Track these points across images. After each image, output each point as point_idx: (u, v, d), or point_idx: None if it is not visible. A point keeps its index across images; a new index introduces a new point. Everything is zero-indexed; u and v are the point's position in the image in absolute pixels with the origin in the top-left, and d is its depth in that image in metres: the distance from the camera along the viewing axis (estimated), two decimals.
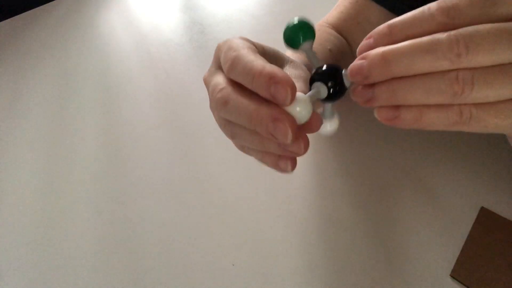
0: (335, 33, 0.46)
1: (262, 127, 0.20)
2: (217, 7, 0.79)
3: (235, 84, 0.22)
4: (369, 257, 0.37)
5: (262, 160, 0.24)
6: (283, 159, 0.23)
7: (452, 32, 0.17)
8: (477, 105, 0.18)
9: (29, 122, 0.63)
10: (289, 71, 0.26)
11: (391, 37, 0.19)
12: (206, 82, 0.25)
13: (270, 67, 0.20)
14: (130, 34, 0.78)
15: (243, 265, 0.39)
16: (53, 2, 0.93)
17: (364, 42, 0.20)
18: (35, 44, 0.81)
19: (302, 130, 0.22)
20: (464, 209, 0.39)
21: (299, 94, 0.21)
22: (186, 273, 0.40)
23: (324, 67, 0.23)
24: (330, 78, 0.22)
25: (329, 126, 0.24)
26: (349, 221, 0.40)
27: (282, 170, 0.24)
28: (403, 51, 0.18)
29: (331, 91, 0.22)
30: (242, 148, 0.25)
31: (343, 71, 0.22)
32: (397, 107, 0.19)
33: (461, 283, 0.34)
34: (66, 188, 0.51)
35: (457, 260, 0.35)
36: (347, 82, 0.22)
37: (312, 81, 0.23)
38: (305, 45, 0.24)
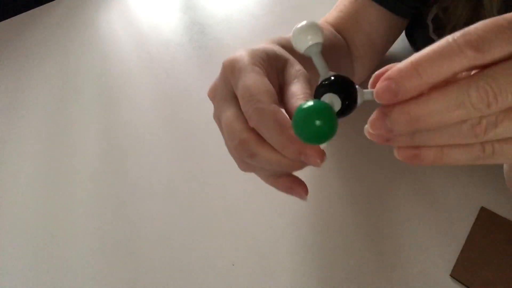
0: (333, 30, 0.46)
1: (293, 167, 0.22)
2: (217, 7, 0.79)
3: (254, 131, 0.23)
4: (369, 257, 0.37)
5: (272, 184, 0.25)
6: (294, 189, 0.25)
7: (481, 83, 0.16)
8: (500, 140, 0.18)
9: (29, 122, 0.63)
10: (289, 70, 0.26)
11: (419, 80, 0.17)
12: (215, 106, 0.26)
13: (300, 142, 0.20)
14: (130, 34, 0.78)
15: (243, 265, 0.39)
16: (53, 2, 0.93)
17: (386, 86, 0.17)
18: (35, 44, 0.81)
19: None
20: (464, 209, 0.39)
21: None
22: (186, 273, 0.40)
23: (335, 77, 0.20)
24: (345, 90, 0.20)
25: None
26: (349, 221, 0.40)
27: (297, 196, 0.25)
28: (434, 108, 0.17)
29: (345, 104, 0.20)
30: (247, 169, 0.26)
31: (356, 87, 0.20)
32: (418, 146, 0.19)
33: (461, 283, 0.34)
34: (66, 188, 0.51)
35: (457, 260, 0.35)
36: (360, 99, 0.20)
37: (320, 91, 0.21)
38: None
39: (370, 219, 0.40)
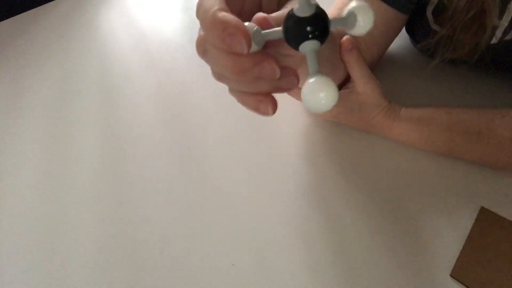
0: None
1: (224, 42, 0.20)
2: None
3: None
4: (369, 257, 0.37)
5: (242, 101, 0.24)
6: (263, 102, 0.23)
7: None
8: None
9: (29, 121, 0.63)
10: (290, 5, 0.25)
11: None
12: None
13: (221, 17, 0.20)
14: (130, 34, 0.78)
15: (243, 265, 0.39)
16: (53, 2, 0.93)
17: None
18: (35, 44, 0.81)
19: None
20: (464, 209, 0.39)
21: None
22: (186, 273, 0.40)
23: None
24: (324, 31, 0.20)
25: (321, 84, 0.20)
26: (349, 221, 0.40)
27: (263, 113, 0.24)
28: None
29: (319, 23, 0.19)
30: (220, 78, 0.25)
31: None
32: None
33: (461, 283, 0.34)
34: (66, 188, 0.51)
35: (457, 260, 0.35)
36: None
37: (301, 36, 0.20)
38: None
39: (370, 219, 0.40)
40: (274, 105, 0.23)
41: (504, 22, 0.40)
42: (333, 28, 0.21)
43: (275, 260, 0.39)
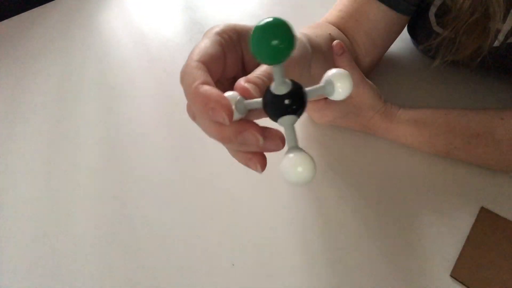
0: (335, 28, 0.46)
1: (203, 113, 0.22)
2: (217, 7, 0.79)
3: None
4: (369, 257, 0.37)
5: (233, 156, 0.25)
6: (252, 160, 0.24)
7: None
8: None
9: (29, 121, 0.63)
10: None
11: None
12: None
13: (202, 92, 0.21)
14: (130, 34, 0.78)
15: (243, 265, 0.39)
16: (53, 2, 0.93)
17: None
18: (35, 44, 0.81)
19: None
20: (464, 209, 0.39)
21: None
22: (186, 273, 0.40)
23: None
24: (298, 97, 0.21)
25: (298, 161, 0.20)
26: (349, 221, 0.40)
27: (253, 169, 0.25)
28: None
29: (296, 99, 0.20)
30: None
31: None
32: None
33: (461, 283, 0.34)
34: (66, 188, 0.51)
35: (457, 260, 0.35)
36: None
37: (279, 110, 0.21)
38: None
39: (370, 219, 0.40)
40: (262, 163, 0.24)
41: (507, 26, 0.40)
42: (312, 97, 0.22)
43: (275, 260, 0.39)
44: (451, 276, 0.34)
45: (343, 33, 0.46)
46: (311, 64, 0.30)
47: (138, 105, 0.61)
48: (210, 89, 0.21)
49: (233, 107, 0.21)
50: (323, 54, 0.37)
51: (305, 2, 0.74)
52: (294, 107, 0.20)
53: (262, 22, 0.17)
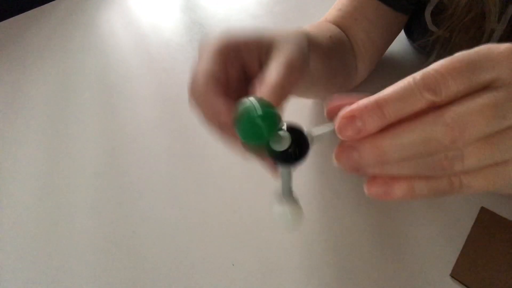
0: (335, 27, 0.46)
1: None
2: (217, 7, 0.79)
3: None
4: (369, 257, 0.37)
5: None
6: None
7: (448, 119, 0.17)
8: (466, 173, 0.18)
9: (29, 121, 0.63)
10: (271, 54, 0.26)
11: (383, 119, 0.17)
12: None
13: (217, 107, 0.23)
14: (130, 34, 0.78)
15: (243, 265, 0.39)
16: (53, 2, 0.93)
17: (349, 123, 0.18)
18: (35, 44, 0.81)
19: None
20: (464, 209, 0.39)
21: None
22: (186, 273, 0.40)
23: (286, 125, 0.21)
24: (295, 136, 0.20)
25: (289, 212, 0.21)
26: (349, 221, 0.40)
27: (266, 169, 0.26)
28: (401, 144, 0.17)
29: (296, 151, 0.20)
30: None
31: (305, 131, 0.21)
32: (388, 182, 0.19)
33: (461, 283, 0.34)
34: (66, 188, 0.51)
35: (457, 260, 0.35)
36: (311, 140, 0.21)
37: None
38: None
39: (370, 219, 0.40)
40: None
41: (502, 26, 0.40)
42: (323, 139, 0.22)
43: (275, 260, 0.39)
44: (451, 276, 0.34)
45: (343, 32, 0.46)
46: (310, 61, 0.30)
47: (138, 105, 0.61)
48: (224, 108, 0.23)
49: None
50: (322, 50, 0.38)
51: (305, 2, 0.74)
52: (294, 160, 0.21)
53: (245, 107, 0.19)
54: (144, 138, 0.55)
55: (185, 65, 0.66)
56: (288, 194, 0.21)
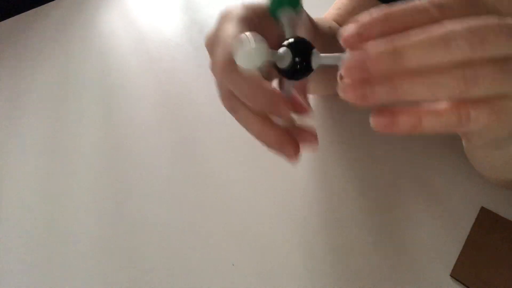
0: (335, 23, 0.46)
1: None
2: (217, 7, 0.79)
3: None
4: (369, 257, 0.37)
5: (262, 140, 0.25)
6: (286, 145, 0.24)
7: (469, 24, 0.16)
8: (474, 105, 0.18)
9: (29, 122, 0.63)
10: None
11: (388, 25, 0.17)
12: (209, 52, 0.27)
13: (271, 92, 0.22)
14: (130, 34, 0.78)
15: (243, 265, 0.39)
16: (53, 2, 0.93)
17: (354, 30, 0.17)
18: (35, 44, 0.81)
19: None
20: (464, 209, 0.39)
21: (256, 36, 0.20)
22: (186, 273, 0.40)
23: (294, 39, 0.21)
24: (299, 51, 0.20)
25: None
26: (349, 221, 0.40)
27: (287, 156, 0.25)
28: (419, 43, 0.16)
29: (297, 66, 0.20)
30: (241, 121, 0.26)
31: (313, 50, 0.20)
32: (394, 113, 0.18)
33: (461, 283, 0.34)
34: (66, 188, 0.51)
35: (457, 260, 0.35)
36: (315, 63, 0.20)
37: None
38: (285, 14, 0.23)
39: (370, 219, 0.40)
40: (296, 148, 0.24)
41: None
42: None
43: (275, 260, 0.39)
44: (451, 276, 0.34)
45: None
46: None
47: (137, 105, 0.61)
48: (275, 91, 0.22)
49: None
50: (323, 38, 0.37)
51: (305, 2, 0.74)
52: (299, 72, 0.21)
53: None
54: (144, 138, 0.55)
55: (185, 65, 0.66)
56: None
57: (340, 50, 0.19)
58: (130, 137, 0.56)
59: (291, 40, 0.21)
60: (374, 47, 0.17)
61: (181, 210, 0.45)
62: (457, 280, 0.34)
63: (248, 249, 0.40)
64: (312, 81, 0.44)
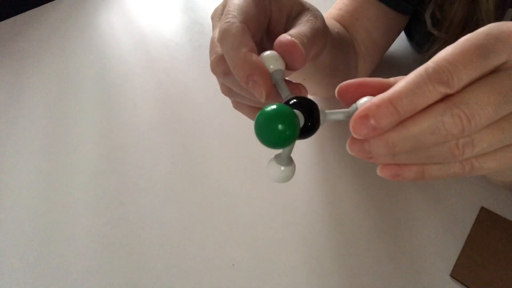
0: (339, 24, 0.46)
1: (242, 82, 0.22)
2: None
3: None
4: (369, 257, 0.37)
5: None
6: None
7: (455, 110, 0.17)
8: (477, 157, 0.18)
9: (29, 122, 0.63)
10: (300, 16, 0.26)
11: (397, 115, 0.17)
12: (212, 25, 0.27)
13: (251, 63, 0.21)
14: (130, 34, 0.78)
15: (243, 265, 0.39)
16: (53, 2, 0.93)
17: (364, 123, 0.18)
18: (35, 44, 0.81)
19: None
20: (464, 209, 0.39)
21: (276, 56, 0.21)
22: (186, 273, 0.40)
23: (298, 98, 0.21)
24: (309, 112, 0.20)
25: (283, 170, 0.21)
26: (349, 221, 0.40)
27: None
28: (410, 136, 0.18)
29: (308, 124, 0.20)
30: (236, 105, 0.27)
31: (320, 108, 0.21)
32: (399, 166, 0.20)
33: (461, 283, 0.34)
34: (66, 188, 0.51)
35: (457, 260, 0.35)
36: (322, 121, 0.21)
37: None
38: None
39: (370, 219, 0.40)
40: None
41: None
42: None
43: (275, 260, 0.39)
44: (451, 276, 0.34)
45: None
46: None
47: (137, 105, 0.61)
48: (259, 62, 0.21)
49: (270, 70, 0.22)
50: (332, 41, 0.37)
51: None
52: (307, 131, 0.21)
53: (268, 109, 0.18)
54: (143, 138, 0.55)
55: (185, 65, 0.66)
56: (287, 159, 0.22)
57: (343, 54, 0.20)
58: (130, 137, 0.56)
59: (295, 100, 0.21)
60: (371, 139, 0.19)
61: (181, 210, 0.45)
62: (457, 280, 0.34)
63: (248, 249, 0.40)
64: (312, 83, 0.44)
